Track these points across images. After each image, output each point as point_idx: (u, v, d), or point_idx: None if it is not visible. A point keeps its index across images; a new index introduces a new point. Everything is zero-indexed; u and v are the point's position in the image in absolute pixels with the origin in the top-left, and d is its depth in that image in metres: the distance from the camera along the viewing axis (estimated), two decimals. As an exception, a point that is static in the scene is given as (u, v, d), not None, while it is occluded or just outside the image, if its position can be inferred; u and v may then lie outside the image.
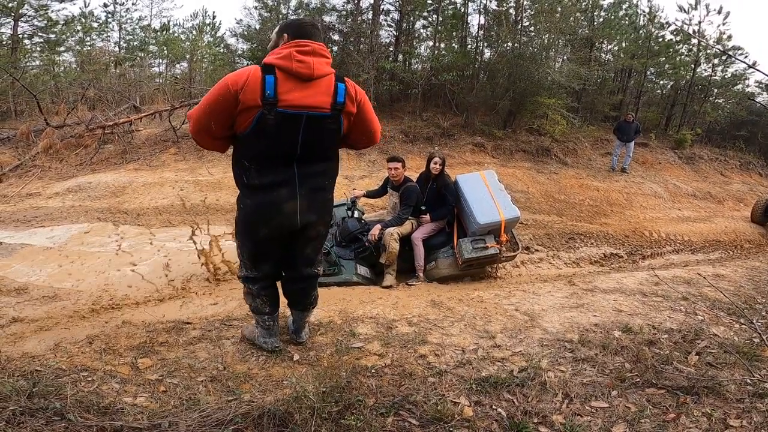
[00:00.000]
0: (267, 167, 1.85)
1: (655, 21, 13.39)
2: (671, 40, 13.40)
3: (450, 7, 12.35)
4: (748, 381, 1.73)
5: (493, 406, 1.58)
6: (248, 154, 1.85)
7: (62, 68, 13.03)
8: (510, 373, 1.84)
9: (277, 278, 2.15)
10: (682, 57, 13.66)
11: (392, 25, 12.49)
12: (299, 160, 1.87)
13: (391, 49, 12.33)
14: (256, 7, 12.47)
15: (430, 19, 12.61)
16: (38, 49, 13.01)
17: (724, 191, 10.32)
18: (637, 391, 1.66)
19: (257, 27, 12.38)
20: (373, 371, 1.89)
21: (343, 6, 12.18)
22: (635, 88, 14.46)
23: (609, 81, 13.53)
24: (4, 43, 12.23)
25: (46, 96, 10.18)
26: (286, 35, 1.83)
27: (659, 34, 13.54)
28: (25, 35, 12.66)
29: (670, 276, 3.73)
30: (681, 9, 13.14)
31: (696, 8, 12.95)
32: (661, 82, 14.91)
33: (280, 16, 12.17)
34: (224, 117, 1.76)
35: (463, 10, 12.36)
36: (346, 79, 1.87)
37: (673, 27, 13.27)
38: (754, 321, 2.31)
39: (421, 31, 13.06)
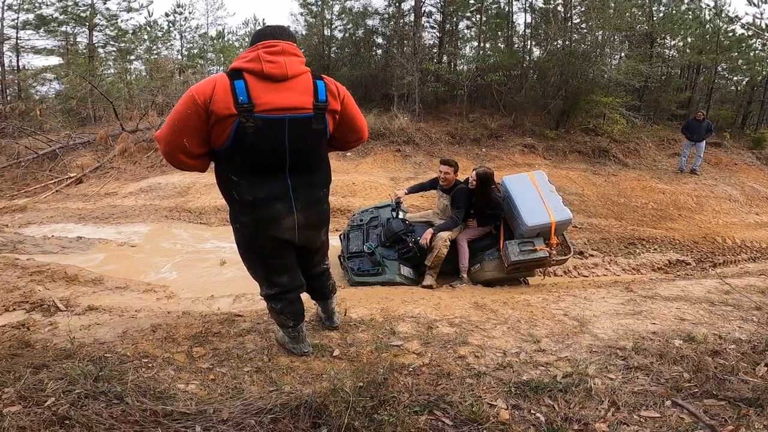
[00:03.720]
0: (257, 180, 1.74)
1: (723, 15, 12.29)
2: (743, 34, 12.22)
3: (494, 6, 12.11)
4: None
5: (532, 411, 1.52)
6: (234, 167, 1.73)
7: (134, 76, 14.26)
8: (553, 378, 1.77)
9: (300, 290, 2.07)
10: (757, 52, 12.44)
11: (435, 26, 12.49)
12: (291, 171, 1.77)
13: (434, 50, 12.30)
14: (302, 13, 12.96)
15: (473, 19, 12.47)
16: (112, 57, 14.35)
17: (810, 194, 9.22)
18: (694, 402, 1.53)
19: (303, 33, 12.83)
20: (410, 369, 1.89)
21: (385, 9, 12.34)
22: (705, 84, 13.35)
23: (675, 78, 12.64)
24: (81, 51, 13.58)
25: (120, 102, 11.16)
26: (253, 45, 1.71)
27: (729, 29, 12.42)
28: (99, 44, 13.99)
29: (743, 285, 3.40)
30: (750, 2, 11.90)
31: (767, 2, 11.69)
32: (735, 78, 13.68)
33: (325, 21, 12.53)
34: (198, 132, 1.63)
35: (507, 9, 12.09)
36: (323, 76, 1.77)
37: (743, 21, 12.08)
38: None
39: (465, 31, 12.98)
